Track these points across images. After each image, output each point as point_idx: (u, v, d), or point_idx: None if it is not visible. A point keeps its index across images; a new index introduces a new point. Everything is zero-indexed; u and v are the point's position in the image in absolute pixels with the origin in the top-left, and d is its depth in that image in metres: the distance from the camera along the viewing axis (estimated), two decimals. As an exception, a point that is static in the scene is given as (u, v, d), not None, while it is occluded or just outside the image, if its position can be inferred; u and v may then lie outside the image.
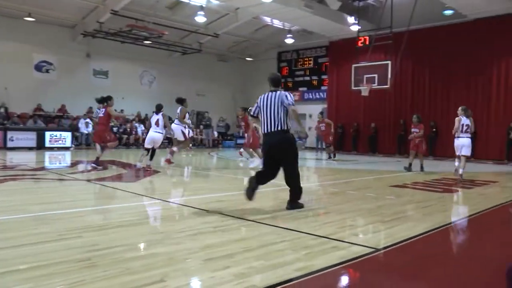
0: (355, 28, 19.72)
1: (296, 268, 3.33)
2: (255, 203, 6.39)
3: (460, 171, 10.15)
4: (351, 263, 3.54)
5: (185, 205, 5.95)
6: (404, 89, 21.29)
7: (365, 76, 18.02)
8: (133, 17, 19.68)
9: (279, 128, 5.67)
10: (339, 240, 4.21)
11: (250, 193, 5.70)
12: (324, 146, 23.00)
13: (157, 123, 11.00)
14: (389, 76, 17.39)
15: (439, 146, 19.71)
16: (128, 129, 21.34)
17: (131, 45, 22.02)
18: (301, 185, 6.06)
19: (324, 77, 25.11)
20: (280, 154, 5.78)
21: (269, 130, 5.73)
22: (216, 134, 25.58)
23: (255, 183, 5.74)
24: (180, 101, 12.53)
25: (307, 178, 11.19)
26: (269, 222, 5.00)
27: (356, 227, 5.11)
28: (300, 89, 26.31)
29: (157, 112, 11.19)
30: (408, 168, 12.43)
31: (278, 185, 9.12)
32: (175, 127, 12.13)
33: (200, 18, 20.20)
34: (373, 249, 3.94)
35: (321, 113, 18.40)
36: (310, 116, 25.77)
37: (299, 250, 3.84)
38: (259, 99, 5.93)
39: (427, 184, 9.41)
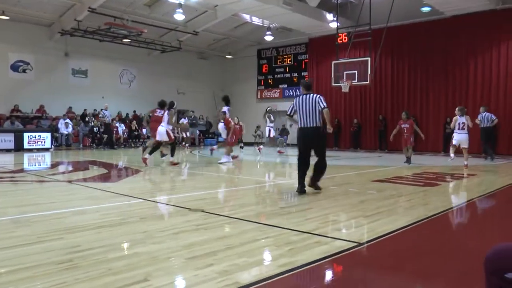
0: (334, 25, 19.81)
1: (280, 264, 3.34)
2: (237, 200, 6.39)
3: (465, 162, 11.88)
4: (334, 258, 3.56)
5: (167, 204, 5.91)
6: (384, 85, 21.56)
7: (345, 72, 18.12)
8: (111, 15, 19.48)
9: (313, 125, 6.93)
10: (322, 235, 4.23)
11: (302, 188, 7.03)
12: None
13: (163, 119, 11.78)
14: (369, 72, 17.53)
15: (419, 140, 19.92)
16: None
17: (110, 43, 21.78)
18: (301, 178, 7.12)
19: (304, 74, 25.20)
20: (313, 145, 7.12)
21: (304, 126, 6.98)
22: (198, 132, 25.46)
23: (301, 176, 7.10)
24: (226, 100, 13.75)
25: (289, 175, 11.23)
26: (252, 219, 5.00)
27: (339, 222, 5.15)
28: (281, 86, 26.37)
29: (169, 109, 11.90)
30: (408, 161, 13.36)
31: (259, 182, 9.15)
32: (221, 125, 13.65)
33: (179, 16, 20.06)
34: (356, 244, 3.97)
35: None
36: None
37: (282, 246, 3.84)
38: (295, 101, 7.08)
39: (408, 179, 9.54)
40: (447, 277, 3.27)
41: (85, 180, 8.77)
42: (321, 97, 6.98)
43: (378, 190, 7.62)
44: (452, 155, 12.09)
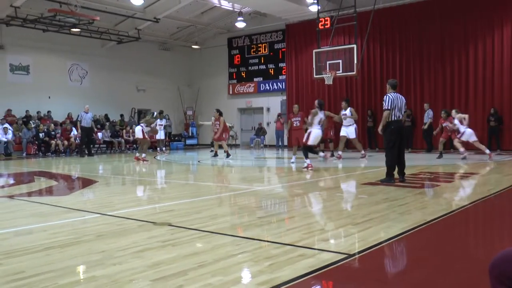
0: (315, 8, 19.93)
1: (259, 282, 3.34)
2: (209, 211, 6.36)
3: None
4: (321, 272, 3.58)
5: (129, 218, 5.85)
6: (373, 76, 21.71)
7: (328, 62, 18.26)
8: (56, 0, 19.09)
9: (403, 119, 9.44)
10: (307, 247, 4.25)
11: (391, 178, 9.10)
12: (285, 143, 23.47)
13: (320, 122, 12.40)
14: (355, 61, 17.70)
15: (415, 138, 20.12)
16: (57, 134, 20.69)
17: (56, 34, 21.42)
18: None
19: (282, 65, 25.28)
20: (403, 135, 9.32)
21: (398, 119, 9.09)
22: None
23: (392, 168, 9.11)
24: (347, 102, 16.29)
25: (268, 180, 11.25)
26: (226, 231, 4.99)
27: (325, 231, 5.17)
28: (255, 79, 26.41)
29: (321, 109, 12.56)
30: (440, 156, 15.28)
31: (234, 190, 9.14)
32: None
33: (137, 1, 19.89)
34: (345, 255, 4.00)
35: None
36: (268, 109, 25.95)
37: (261, 261, 3.85)
38: (392, 98, 9.00)
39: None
40: (449, 289, 3.32)
41: (29, 194, 8.60)
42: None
43: (368, 194, 7.70)
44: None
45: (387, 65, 21.43)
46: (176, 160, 17.74)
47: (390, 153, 9.13)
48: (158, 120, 21.31)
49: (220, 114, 16.86)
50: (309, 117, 12.11)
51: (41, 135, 20.25)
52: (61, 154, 20.23)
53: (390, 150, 9.13)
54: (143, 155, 15.78)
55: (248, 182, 10.42)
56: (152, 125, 16.29)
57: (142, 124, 16.15)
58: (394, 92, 9.13)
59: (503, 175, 10.78)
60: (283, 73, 25.15)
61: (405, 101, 9.23)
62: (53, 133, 20.56)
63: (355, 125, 15.80)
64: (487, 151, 14.31)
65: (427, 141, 18.87)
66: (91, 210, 6.57)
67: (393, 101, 8.99)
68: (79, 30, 21.41)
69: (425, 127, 18.44)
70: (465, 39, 19.37)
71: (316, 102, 12.42)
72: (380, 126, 9.45)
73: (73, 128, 21.14)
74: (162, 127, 21.74)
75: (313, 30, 20.09)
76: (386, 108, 9.04)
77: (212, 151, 18.73)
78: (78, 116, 20.00)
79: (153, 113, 16.31)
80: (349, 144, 22.20)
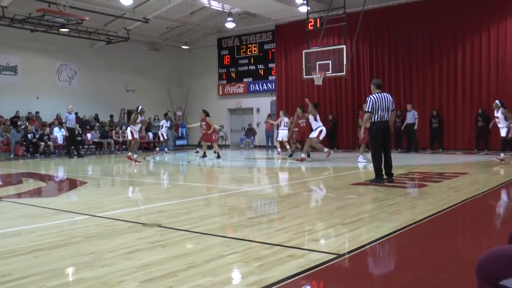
0: (304, 9, 19.92)
1: (249, 283, 3.33)
2: (199, 212, 6.35)
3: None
4: (311, 273, 3.58)
5: (118, 219, 5.82)
6: (362, 76, 21.82)
7: (318, 63, 18.29)
8: (44, 0, 18.96)
9: (387, 119, 8.92)
10: (296, 248, 4.26)
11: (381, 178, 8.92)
12: (274, 144, 23.47)
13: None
14: (345, 61, 17.75)
15: (405, 138, 20.26)
16: (46, 135, 20.55)
17: (45, 34, 21.27)
18: None
19: (271, 65, 25.32)
20: (386, 137, 8.99)
21: (381, 120, 8.86)
22: (151, 135, 25.14)
23: (379, 169, 8.96)
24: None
25: (257, 180, 11.24)
26: (216, 232, 4.98)
27: (315, 232, 5.18)
28: (245, 80, 26.42)
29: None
30: None
31: (224, 190, 9.13)
32: None
33: (126, 1, 19.80)
34: (335, 255, 4.01)
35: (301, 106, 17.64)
36: (258, 110, 25.97)
37: (251, 262, 3.85)
38: (374, 98, 8.87)
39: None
40: (437, 289, 3.33)
41: (18, 195, 8.53)
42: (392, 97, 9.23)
43: (358, 194, 7.72)
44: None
45: (376, 65, 21.54)
46: (166, 161, 17.69)
47: (374, 154, 9.09)
48: (164, 121, 21.35)
49: (207, 114, 16.79)
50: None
51: (29, 136, 20.08)
52: (51, 155, 20.10)
53: (375, 151, 9.08)
54: (135, 156, 15.69)
55: (238, 183, 10.41)
56: (137, 121, 16.07)
57: (130, 126, 16.00)
58: (379, 92, 9.00)
59: (491, 174, 10.87)
60: (273, 73, 25.18)
61: (392, 99, 9.02)
62: (46, 137, 20.39)
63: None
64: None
65: (413, 140, 19.22)
66: (80, 211, 6.52)
67: (375, 102, 8.87)
68: (68, 30, 21.27)
69: (415, 127, 18.84)
70: (454, 40, 19.56)
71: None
72: (362, 129, 9.46)
73: (62, 129, 21.00)
74: (167, 128, 21.70)
75: (302, 31, 20.11)
76: (367, 110, 9.05)
77: (197, 152, 18.69)
78: (63, 117, 19.92)
79: (138, 107, 16.07)
80: (338, 144, 22.39)
